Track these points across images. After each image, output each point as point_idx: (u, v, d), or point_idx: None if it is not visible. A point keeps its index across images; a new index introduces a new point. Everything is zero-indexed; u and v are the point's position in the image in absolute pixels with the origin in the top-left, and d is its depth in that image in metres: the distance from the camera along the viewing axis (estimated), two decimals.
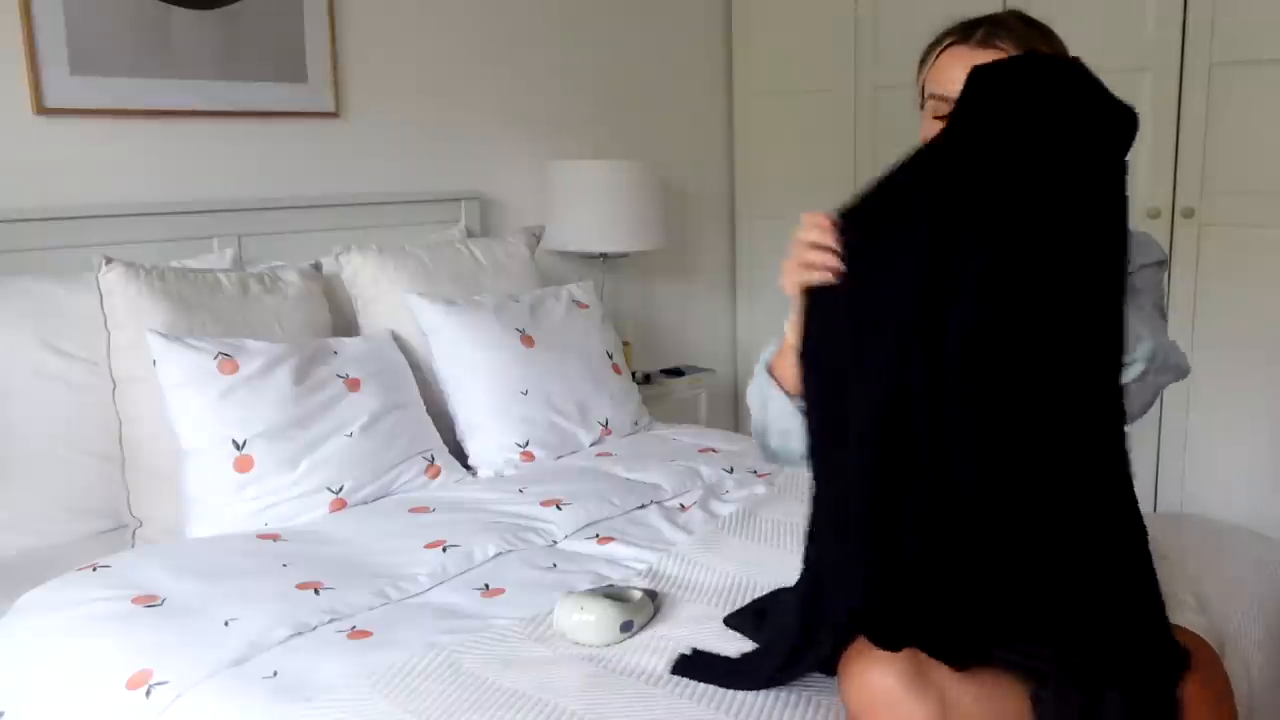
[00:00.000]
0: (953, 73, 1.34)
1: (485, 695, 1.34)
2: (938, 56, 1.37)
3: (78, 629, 1.57)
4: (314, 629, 1.54)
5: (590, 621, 1.48)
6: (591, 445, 2.41)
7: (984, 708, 1.22)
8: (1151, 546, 1.25)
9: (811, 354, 1.31)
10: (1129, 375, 1.22)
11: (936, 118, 1.36)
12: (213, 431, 1.92)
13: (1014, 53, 1.33)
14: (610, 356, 2.57)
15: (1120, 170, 1.19)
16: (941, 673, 1.22)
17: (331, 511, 1.98)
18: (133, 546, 1.97)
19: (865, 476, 1.21)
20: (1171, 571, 1.46)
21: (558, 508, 1.99)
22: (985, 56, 1.32)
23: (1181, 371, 1.30)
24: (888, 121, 3.37)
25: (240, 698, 1.38)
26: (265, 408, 1.96)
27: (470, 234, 2.91)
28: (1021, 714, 1.24)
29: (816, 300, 1.30)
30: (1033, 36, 1.35)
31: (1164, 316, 1.41)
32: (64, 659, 1.53)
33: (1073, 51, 1.38)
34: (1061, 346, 1.17)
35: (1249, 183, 2.79)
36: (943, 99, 1.34)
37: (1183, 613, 1.36)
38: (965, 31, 1.35)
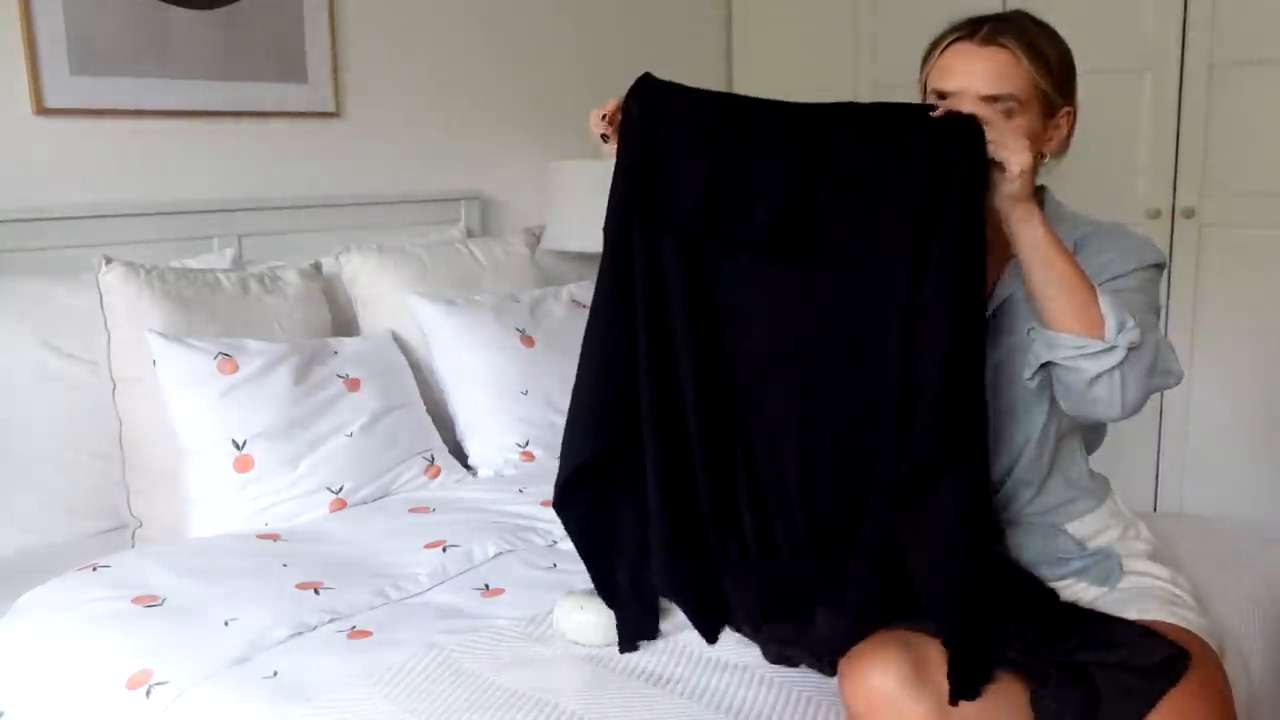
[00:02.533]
0: (957, 68, 1.34)
1: (485, 695, 1.34)
2: (941, 53, 1.38)
3: (78, 629, 1.57)
4: (314, 629, 1.54)
5: (590, 621, 1.48)
6: None
7: (984, 707, 1.22)
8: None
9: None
10: (1106, 363, 1.21)
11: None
12: (213, 431, 1.92)
13: (1018, 50, 1.32)
14: None
15: None
16: (941, 673, 1.22)
17: (331, 511, 1.98)
18: (133, 546, 1.96)
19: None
20: (1172, 571, 1.46)
21: None
22: (989, 53, 1.33)
23: (1175, 377, 1.28)
24: None
25: (240, 698, 1.38)
26: (265, 408, 1.96)
27: (470, 234, 2.91)
28: (1021, 714, 1.24)
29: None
30: (1038, 35, 1.35)
31: (1157, 318, 1.40)
32: (64, 659, 1.54)
33: (1074, 50, 1.39)
34: None
35: (1249, 183, 2.79)
36: (945, 95, 1.34)
37: (1183, 613, 1.36)
38: (970, 28, 1.36)
